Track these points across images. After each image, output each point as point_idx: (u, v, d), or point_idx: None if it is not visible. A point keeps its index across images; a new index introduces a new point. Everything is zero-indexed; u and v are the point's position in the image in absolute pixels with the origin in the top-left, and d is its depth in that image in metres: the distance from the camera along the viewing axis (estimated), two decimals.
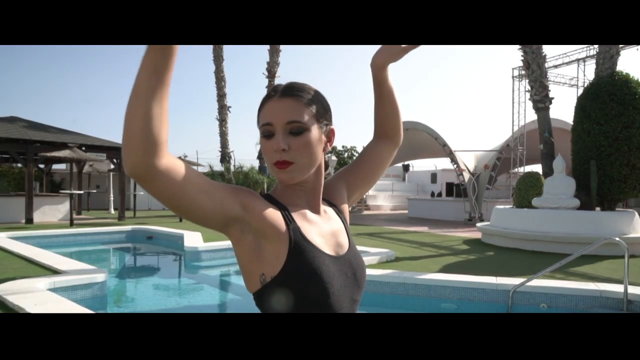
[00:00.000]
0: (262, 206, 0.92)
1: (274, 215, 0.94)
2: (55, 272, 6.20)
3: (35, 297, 4.72)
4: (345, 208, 1.15)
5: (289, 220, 0.95)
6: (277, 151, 0.94)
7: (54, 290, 5.22)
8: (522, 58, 12.17)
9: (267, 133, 0.96)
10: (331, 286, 0.93)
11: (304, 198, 1.02)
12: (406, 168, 31.45)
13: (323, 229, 1.02)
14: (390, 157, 1.21)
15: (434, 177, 28.97)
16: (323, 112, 1.00)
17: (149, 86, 0.73)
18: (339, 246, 1.02)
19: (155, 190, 0.79)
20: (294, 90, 0.97)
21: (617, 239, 5.32)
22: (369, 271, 5.44)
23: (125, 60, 62.17)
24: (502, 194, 20.36)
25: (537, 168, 13.75)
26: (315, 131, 0.97)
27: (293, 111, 0.95)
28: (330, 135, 1.02)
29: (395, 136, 1.19)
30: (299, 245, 0.93)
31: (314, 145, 0.96)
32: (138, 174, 0.76)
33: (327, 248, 0.99)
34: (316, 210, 1.04)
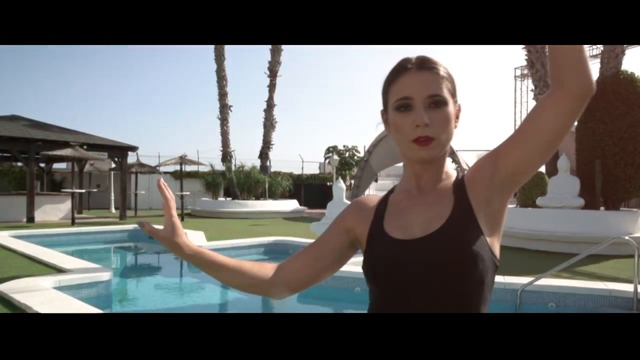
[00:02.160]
0: (358, 217, 1.04)
1: (366, 219, 1.02)
2: (59, 270, 6.17)
3: (41, 296, 4.69)
4: (476, 192, 0.93)
5: (377, 216, 1.01)
6: (419, 126, 0.89)
7: (59, 288, 5.20)
8: (526, 57, 12.15)
9: (403, 107, 0.91)
10: (390, 268, 0.92)
11: (415, 180, 0.98)
12: None
13: (417, 211, 0.96)
14: (572, 114, 0.81)
15: None
16: (454, 87, 0.96)
17: (211, 273, 1.12)
18: (427, 227, 0.93)
19: (306, 287, 1.06)
20: (430, 63, 0.93)
21: (627, 237, 5.29)
22: None
23: (126, 59, 62.17)
24: None
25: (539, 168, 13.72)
26: (451, 106, 0.93)
27: (434, 84, 0.91)
28: (458, 112, 0.98)
29: (575, 80, 0.79)
30: (372, 236, 0.99)
31: (452, 120, 0.93)
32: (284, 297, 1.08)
33: (412, 229, 0.93)
34: (424, 191, 0.97)
